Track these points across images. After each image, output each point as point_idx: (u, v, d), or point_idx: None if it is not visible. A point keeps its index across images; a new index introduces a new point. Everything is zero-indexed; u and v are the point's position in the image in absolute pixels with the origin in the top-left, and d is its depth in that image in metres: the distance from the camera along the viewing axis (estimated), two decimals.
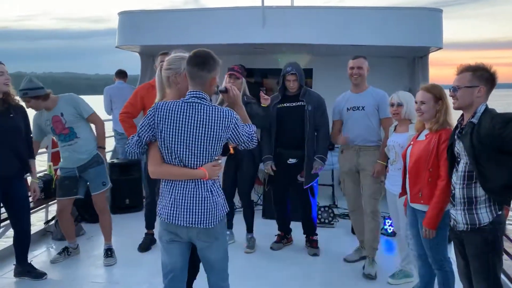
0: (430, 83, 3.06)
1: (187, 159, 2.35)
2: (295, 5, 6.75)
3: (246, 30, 5.35)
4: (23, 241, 3.74)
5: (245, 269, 3.96)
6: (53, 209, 5.11)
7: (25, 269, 3.72)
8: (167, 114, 2.34)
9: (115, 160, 5.86)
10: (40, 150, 4.62)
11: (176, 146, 2.34)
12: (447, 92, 2.78)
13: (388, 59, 6.21)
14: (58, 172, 4.16)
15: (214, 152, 2.37)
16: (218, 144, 2.37)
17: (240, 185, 4.47)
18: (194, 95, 2.35)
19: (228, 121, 2.34)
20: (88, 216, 4.95)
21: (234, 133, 2.38)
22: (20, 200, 3.67)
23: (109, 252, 4.17)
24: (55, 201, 4.82)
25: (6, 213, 3.77)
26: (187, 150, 2.33)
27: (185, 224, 2.36)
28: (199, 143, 2.32)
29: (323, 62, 6.40)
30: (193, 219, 2.35)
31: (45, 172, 4.85)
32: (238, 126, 2.38)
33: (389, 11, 5.42)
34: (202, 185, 2.37)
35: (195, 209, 2.35)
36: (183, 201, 2.36)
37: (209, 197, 2.36)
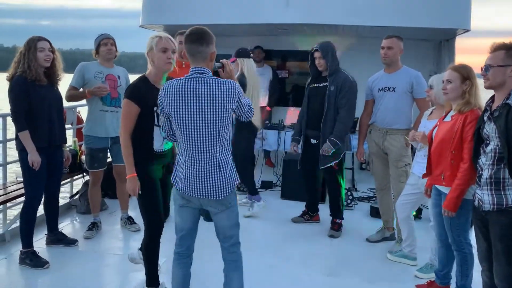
0: (460, 63, 2.97)
1: (197, 133, 2.39)
2: None
3: (269, 9, 5.30)
4: (56, 209, 3.88)
5: (263, 244, 4.03)
6: (77, 183, 5.25)
7: (57, 237, 3.87)
8: (174, 92, 2.40)
9: None
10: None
11: (185, 122, 2.39)
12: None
13: (414, 42, 6.03)
14: (85, 146, 4.22)
15: (222, 124, 2.40)
16: (226, 116, 2.39)
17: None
18: (197, 70, 2.41)
19: (233, 92, 2.39)
20: (111, 192, 5.05)
21: (239, 104, 2.44)
22: (60, 169, 3.82)
23: (131, 219, 4.33)
24: (80, 175, 4.96)
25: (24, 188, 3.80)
26: (196, 124, 2.38)
27: (197, 196, 2.47)
28: (207, 116, 2.37)
29: (347, 44, 6.30)
30: (204, 192, 2.44)
31: (70, 147, 4.94)
32: (241, 97, 2.44)
33: None
34: (212, 159, 2.42)
35: (206, 182, 2.43)
36: (194, 174, 2.44)
37: (218, 170, 2.43)
